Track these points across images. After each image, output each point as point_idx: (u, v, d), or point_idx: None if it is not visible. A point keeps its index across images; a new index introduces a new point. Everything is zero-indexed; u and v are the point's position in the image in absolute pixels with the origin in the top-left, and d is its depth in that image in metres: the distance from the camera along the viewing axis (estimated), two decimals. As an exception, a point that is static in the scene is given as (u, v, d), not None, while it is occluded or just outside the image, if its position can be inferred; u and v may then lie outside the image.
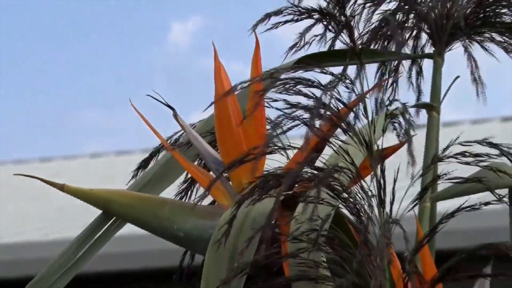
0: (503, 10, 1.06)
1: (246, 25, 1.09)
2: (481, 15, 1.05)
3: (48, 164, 8.94)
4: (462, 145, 1.00)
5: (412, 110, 1.15)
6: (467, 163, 1.00)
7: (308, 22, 1.03)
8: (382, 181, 0.94)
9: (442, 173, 1.00)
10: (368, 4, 1.06)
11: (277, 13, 1.00)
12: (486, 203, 0.98)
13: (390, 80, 1.13)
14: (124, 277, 3.53)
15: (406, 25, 1.09)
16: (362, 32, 1.09)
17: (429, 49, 1.12)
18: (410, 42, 1.15)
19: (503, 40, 1.04)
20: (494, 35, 1.06)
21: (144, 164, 1.19)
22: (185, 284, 1.14)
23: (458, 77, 1.04)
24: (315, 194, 0.91)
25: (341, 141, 1.00)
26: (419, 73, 1.11)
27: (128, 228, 1.23)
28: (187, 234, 1.03)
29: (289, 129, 0.94)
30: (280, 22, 1.01)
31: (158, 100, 1.10)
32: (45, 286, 1.04)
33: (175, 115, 1.10)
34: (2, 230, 5.27)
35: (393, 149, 1.04)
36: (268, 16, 1.00)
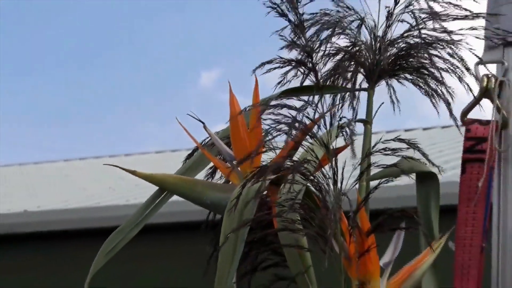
0: (411, 59, 1.22)
1: (249, 69, 1.23)
2: (398, 63, 1.22)
3: (127, 158, 10.35)
4: (383, 143, 1.21)
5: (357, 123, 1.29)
6: (387, 155, 1.21)
7: (289, 67, 1.22)
8: (335, 168, 1.18)
9: (373, 163, 1.24)
10: (326, 56, 1.21)
11: (270, 62, 1.20)
12: (392, 179, 1.22)
13: (340, 105, 1.26)
14: (172, 227, 4.30)
15: (350, 69, 1.25)
16: (323, 73, 1.23)
17: (364, 84, 1.26)
18: (356, 79, 1.29)
19: (411, 78, 1.23)
20: (406, 74, 1.24)
21: (188, 157, 1.36)
22: (209, 232, 1.28)
23: (383, 103, 1.21)
24: (291, 177, 1.17)
25: (309, 143, 1.24)
26: (358, 99, 1.26)
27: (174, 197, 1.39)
28: (212, 202, 1.23)
29: (275, 137, 1.19)
30: (271, 68, 1.20)
31: (193, 117, 1.27)
32: (125, 233, 1.23)
33: (205, 127, 1.28)
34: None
35: (342, 148, 1.22)
36: (263, 64, 1.20)
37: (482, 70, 1.23)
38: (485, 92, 1.19)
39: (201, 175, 1.33)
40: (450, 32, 1.17)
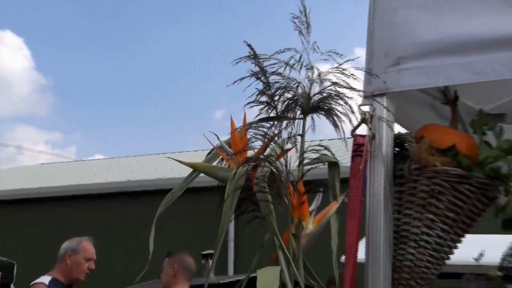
0: (324, 104, 1.51)
1: (240, 107, 1.50)
2: (318, 105, 1.52)
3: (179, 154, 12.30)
4: (312, 146, 1.50)
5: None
6: (314, 152, 1.53)
7: (262, 106, 1.52)
8: (286, 160, 1.51)
9: (306, 157, 1.53)
10: (281, 101, 1.47)
11: (252, 102, 1.52)
12: (316, 166, 1.51)
13: (289, 126, 1.50)
14: (199, 189, 4.21)
15: (293, 105, 1.52)
16: (279, 110, 1.50)
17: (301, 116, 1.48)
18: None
19: (324, 114, 1.52)
20: (322, 112, 1.51)
21: (208, 154, 1.59)
22: (219, 192, 1.48)
23: (310, 126, 1.50)
24: (263, 164, 1.49)
25: (273, 146, 1.55)
26: (298, 124, 1.51)
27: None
28: (221, 177, 1.50)
29: (254, 142, 1.52)
30: (253, 106, 1.50)
31: (213, 132, 1.54)
32: (175, 195, 1.50)
33: (217, 137, 1.56)
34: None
35: (290, 149, 1.52)
36: (249, 103, 1.50)
37: (363, 108, 1.57)
38: (363, 120, 1.55)
39: (215, 163, 1.62)
40: (343, 92, 1.49)
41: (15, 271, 8.78)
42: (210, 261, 7.31)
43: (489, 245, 4.54)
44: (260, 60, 1.49)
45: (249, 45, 1.48)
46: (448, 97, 1.79)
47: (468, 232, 1.66)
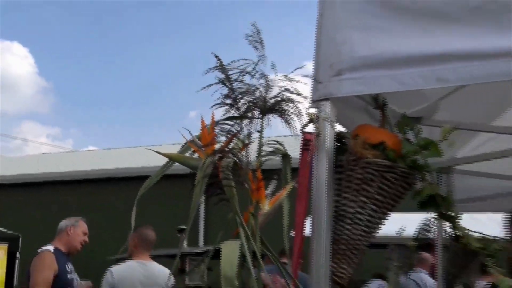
0: (278, 107, 1.51)
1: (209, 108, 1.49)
2: (276, 106, 1.52)
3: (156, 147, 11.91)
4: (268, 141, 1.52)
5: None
6: (269, 146, 1.54)
7: (227, 107, 1.50)
8: (247, 152, 1.49)
9: (263, 150, 1.53)
10: (243, 104, 1.46)
11: (219, 104, 1.50)
12: (271, 157, 1.51)
13: (249, 124, 1.51)
14: (173, 176, 3.79)
15: (253, 107, 1.52)
16: (241, 110, 1.50)
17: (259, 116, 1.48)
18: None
19: (278, 115, 1.52)
20: (276, 113, 1.52)
21: (182, 147, 1.53)
22: (190, 179, 1.42)
23: (267, 123, 1.49)
24: (228, 155, 1.46)
25: (236, 140, 1.53)
26: (256, 123, 1.52)
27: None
28: (193, 166, 1.46)
29: (220, 137, 1.50)
30: (220, 107, 1.49)
31: (186, 129, 1.49)
32: (153, 180, 1.46)
33: (190, 133, 1.51)
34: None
35: (250, 143, 1.51)
36: (216, 105, 1.49)
37: (311, 110, 1.59)
38: (310, 120, 1.57)
39: (187, 154, 1.56)
40: (294, 97, 1.51)
41: (20, 242, 9.38)
42: (184, 235, 7.42)
43: (408, 221, 4.70)
44: (225, 69, 1.49)
45: (216, 57, 1.48)
46: (379, 102, 1.83)
47: (392, 211, 1.70)
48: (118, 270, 3.67)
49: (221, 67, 1.45)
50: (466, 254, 3.05)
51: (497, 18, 1.34)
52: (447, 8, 1.40)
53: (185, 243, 8.77)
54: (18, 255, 9.29)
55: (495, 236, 2.66)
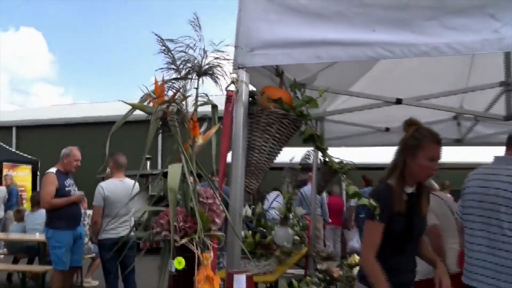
0: (211, 70, 1.36)
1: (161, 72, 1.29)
2: (209, 70, 1.36)
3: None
4: (202, 94, 1.34)
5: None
6: (202, 97, 1.36)
7: (172, 72, 1.35)
8: (186, 101, 1.37)
9: (201, 100, 1.37)
10: (184, 68, 1.31)
11: (166, 68, 1.33)
12: (203, 105, 1.35)
13: (188, 83, 1.35)
14: (135, 122, 3.81)
15: (191, 71, 1.33)
16: (182, 74, 1.33)
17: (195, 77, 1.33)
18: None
19: (211, 77, 1.38)
20: (209, 76, 1.35)
21: (140, 99, 1.35)
22: (148, 122, 1.27)
23: (202, 82, 1.34)
24: (173, 104, 1.33)
25: (179, 93, 1.36)
26: (193, 82, 1.33)
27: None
28: (149, 112, 1.30)
29: (168, 91, 1.36)
30: (166, 71, 1.32)
31: (145, 85, 1.32)
32: (120, 122, 1.29)
33: (147, 88, 1.33)
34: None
35: (188, 96, 1.36)
36: (162, 68, 1.31)
37: (233, 74, 1.51)
38: (232, 81, 1.50)
39: (145, 103, 1.39)
40: (221, 64, 1.37)
41: (39, 165, 10.24)
42: (147, 161, 7.64)
43: (296, 152, 4.79)
44: (170, 50, 1.35)
45: (159, 37, 1.33)
46: (278, 71, 1.81)
47: (285, 145, 1.70)
48: (106, 185, 3.62)
49: (162, 42, 1.33)
50: (330, 173, 3.32)
51: (352, 19, 1.39)
52: (323, 10, 1.43)
53: (148, 166, 8.78)
54: (38, 173, 10.01)
55: (348, 161, 2.84)
